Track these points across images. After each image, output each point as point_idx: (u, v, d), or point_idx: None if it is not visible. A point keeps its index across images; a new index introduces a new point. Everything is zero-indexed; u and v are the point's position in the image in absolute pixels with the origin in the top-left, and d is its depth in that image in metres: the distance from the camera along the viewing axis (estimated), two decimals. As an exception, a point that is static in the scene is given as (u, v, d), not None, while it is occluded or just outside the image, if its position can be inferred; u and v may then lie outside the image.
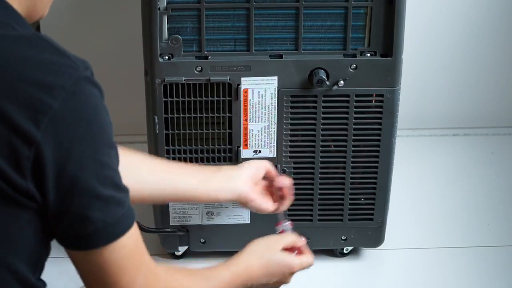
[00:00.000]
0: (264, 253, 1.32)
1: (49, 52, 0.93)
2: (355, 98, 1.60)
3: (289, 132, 1.61)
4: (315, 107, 1.60)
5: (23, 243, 0.96)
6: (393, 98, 1.60)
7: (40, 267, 1.03)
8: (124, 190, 0.97)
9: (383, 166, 1.67)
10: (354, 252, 1.81)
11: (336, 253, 1.80)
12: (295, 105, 1.59)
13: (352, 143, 1.63)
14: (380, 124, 1.63)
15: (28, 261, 0.98)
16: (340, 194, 1.69)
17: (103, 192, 0.93)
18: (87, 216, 0.93)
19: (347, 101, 1.60)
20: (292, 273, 1.36)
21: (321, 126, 1.61)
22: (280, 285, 1.37)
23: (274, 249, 1.34)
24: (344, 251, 1.79)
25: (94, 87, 0.94)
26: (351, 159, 1.65)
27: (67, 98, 0.90)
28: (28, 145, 0.89)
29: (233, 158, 1.64)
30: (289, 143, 1.62)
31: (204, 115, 1.60)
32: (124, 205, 0.96)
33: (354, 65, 1.57)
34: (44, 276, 1.04)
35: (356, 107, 1.61)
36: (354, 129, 1.62)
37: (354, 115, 1.61)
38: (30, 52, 0.92)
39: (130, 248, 0.98)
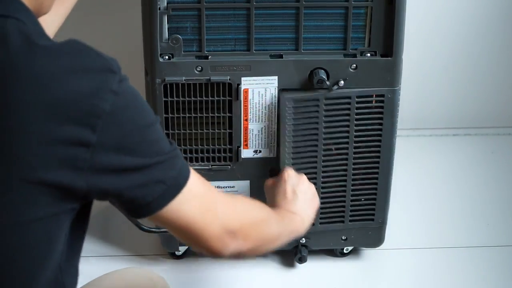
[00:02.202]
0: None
1: (91, 58, 0.99)
2: (356, 99, 1.59)
3: (292, 133, 1.60)
4: (317, 108, 1.59)
5: (59, 243, 1.03)
6: (393, 98, 1.60)
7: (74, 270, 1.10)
8: (174, 147, 1.06)
9: (384, 166, 1.67)
10: (354, 252, 1.81)
11: (336, 253, 1.80)
12: (296, 105, 1.59)
13: (354, 144, 1.63)
14: (380, 124, 1.63)
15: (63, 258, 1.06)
16: (342, 196, 1.69)
17: (161, 159, 1.03)
18: (154, 180, 1.03)
19: (348, 103, 1.60)
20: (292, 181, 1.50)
21: (323, 125, 1.61)
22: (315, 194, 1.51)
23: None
24: (344, 251, 1.79)
25: (127, 81, 1.00)
26: (353, 160, 1.64)
27: (115, 99, 0.97)
28: (85, 148, 0.96)
29: (233, 158, 1.64)
30: (292, 144, 1.62)
31: (205, 115, 1.60)
32: (179, 156, 1.06)
33: (354, 65, 1.57)
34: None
35: (357, 108, 1.60)
36: (355, 130, 1.62)
37: (355, 116, 1.61)
38: (74, 63, 0.97)
39: (198, 188, 1.09)
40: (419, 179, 2.13)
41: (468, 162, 2.21)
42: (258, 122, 1.61)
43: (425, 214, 1.98)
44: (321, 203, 1.66)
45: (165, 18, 1.53)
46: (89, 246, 1.82)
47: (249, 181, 1.66)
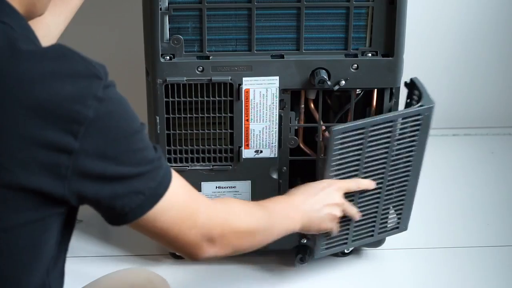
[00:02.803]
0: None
1: (76, 64, 0.97)
2: (400, 121, 1.56)
3: (337, 162, 1.55)
4: (362, 135, 1.53)
5: (47, 247, 1.02)
6: (429, 116, 1.57)
7: (57, 267, 1.08)
8: (159, 156, 1.06)
9: (413, 178, 1.64)
10: (355, 252, 1.81)
11: (337, 253, 1.80)
12: (344, 136, 1.52)
13: (391, 163, 1.59)
14: (415, 140, 1.59)
15: (47, 262, 1.04)
16: (374, 213, 1.64)
17: (143, 169, 1.02)
18: (133, 190, 1.02)
19: (391, 126, 1.55)
20: (333, 200, 1.48)
21: (366, 150, 1.56)
22: (333, 218, 1.48)
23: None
24: (346, 251, 1.79)
25: (114, 88, 0.99)
26: (388, 177, 1.61)
27: (99, 106, 0.96)
28: (67, 155, 0.95)
29: (235, 158, 1.64)
30: (335, 173, 1.56)
31: (206, 115, 1.60)
32: (162, 166, 1.05)
33: (356, 65, 1.57)
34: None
35: (400, 129, 1.56)
36: (395, 149, 1.58)
37: (397, 136, 1.57)
38: (58, 67, 0.95)
39: (179, 197, 1.09)
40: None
41: (468, 162, 2.21)
42: (259, 122, 1.61)
43: (425, 214, 1.98)
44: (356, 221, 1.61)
45: (166, 19, 1.53)
46: (89, 246, 1.82)
47: (250, 181, 1.66)
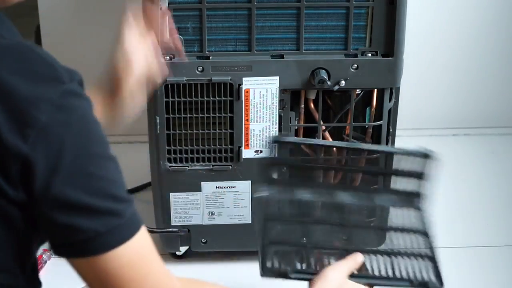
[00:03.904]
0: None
1: (36, 64, 0.91)
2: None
3: None
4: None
5: (10, 247, 0.96)
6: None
7: (28, 270, 1.02)
8: (124, 200, 0.94)
9: None
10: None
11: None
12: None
13: None
14: None
15: (15, 264, 0.99)
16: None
17: (94, 203, 0.91)
18: (76, 226, 0.91)
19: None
20: None
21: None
22: None
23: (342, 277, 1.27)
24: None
25: (81, 99, 0.91)
26: None
27: (54, 112, 0.88)
28: (16, 158, 0.88)
29: (235, 158, 1.64)
30: None
31: (206, 115, 1.60)
32: (121, 215, 0.93)
33: (356, 65, 1.57)
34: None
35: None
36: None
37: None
38: (17, 65, 0.89)
39: (130, 258, 0.95)
40: (419, 179, 2.13)
41: (468, 162, 2.21)
42: (259, 122, 1.61)
43: (425, 214, 1.98)
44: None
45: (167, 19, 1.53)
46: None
47: (250, 181, 1.66)
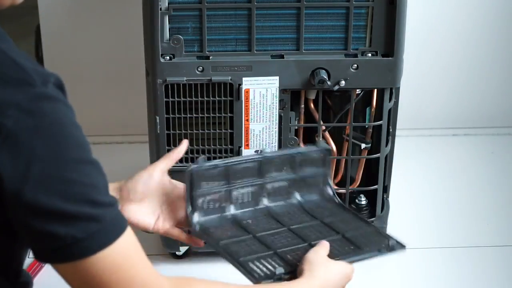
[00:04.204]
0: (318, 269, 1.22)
1: (5, 67, 0.88)
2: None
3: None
4: None
5: None
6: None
7: (13, 272, 1.01)
8: (105, 205, 0.92)
9: None
10: (355, 252, 1.81)
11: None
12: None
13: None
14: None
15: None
16: None
17: (70, 208, 0.88)
18: (54, 232, 0.89)
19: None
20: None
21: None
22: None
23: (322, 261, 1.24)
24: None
25: (55, 102, 0.88)
26: None
27: (22, 117, 0.85)
28: None
29: (235, 158, 1.64)
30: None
31: (206, 115, 1.60)
32: (101, 220, 0.91)
33: (355, 65, 1.57)
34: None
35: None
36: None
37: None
38: None
39: (114, 261, 0.93)
40: (418, 179, 2.13)
41: (468, 162, 2.21)
42: (259, 122, 1.61)
43: (425, 214, 1.98)
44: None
45: (166, 19, 1.53)
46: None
47: (250, 181, 1.66)
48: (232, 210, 1.33)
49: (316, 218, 1.37)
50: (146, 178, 1.27)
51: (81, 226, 0.89)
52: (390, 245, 1.29)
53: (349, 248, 1.29)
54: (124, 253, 0.94)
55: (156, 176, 1.27)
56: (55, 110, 0.87)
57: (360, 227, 1.35)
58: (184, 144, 1.33)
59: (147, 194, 1.26)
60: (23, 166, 0.86)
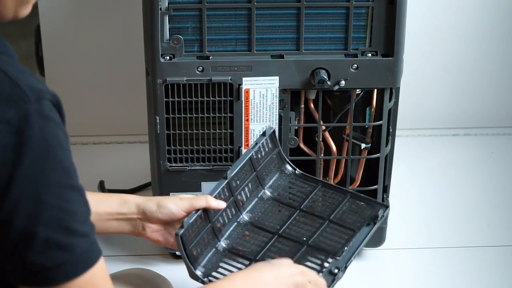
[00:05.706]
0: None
1: None
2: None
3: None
4: None
5: None
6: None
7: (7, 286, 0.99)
8: (79, 235, 0.89)
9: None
10: (355, 252, 1.81)
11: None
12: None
13: None
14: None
15: None
16: None
17: (42, 233, 0.86)
18: (22, 256, 0.87)
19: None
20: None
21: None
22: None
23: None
24: (345, 251, 1.79)
25: (47, 121, 0.85)
26: None
27: (10, 134, 0.83)
28: None
29: (234, 158, 1.63)
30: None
31: (206, 115, 1.60)
32: (72, 251, 0.88)
33: (355, 65, 1.57)
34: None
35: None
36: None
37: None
38: None
39: None
40: (419, 179, 2.13)
41: (468, 162, 2.21)
42: (259, 122, 1.61)
43: (425, 214, 1.98)
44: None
45: (166, 19, 1.53)
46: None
47: (250, 181, 1.66)
48: (222, 244, 1.35)
49: (292, 207, 1.40)
50: (176, 199, 1.30)
51: (50, 255, 0.87)
52: (376, 215, 1.34)
53: (342, 237, 1.35)
54: (90, 285, 0.91)
55: (182, 204, 1.30)
56: (45, 129, 0.85)
57: (336, 198, 1.40)
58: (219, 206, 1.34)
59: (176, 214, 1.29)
60: (4, 183, 0.84)
